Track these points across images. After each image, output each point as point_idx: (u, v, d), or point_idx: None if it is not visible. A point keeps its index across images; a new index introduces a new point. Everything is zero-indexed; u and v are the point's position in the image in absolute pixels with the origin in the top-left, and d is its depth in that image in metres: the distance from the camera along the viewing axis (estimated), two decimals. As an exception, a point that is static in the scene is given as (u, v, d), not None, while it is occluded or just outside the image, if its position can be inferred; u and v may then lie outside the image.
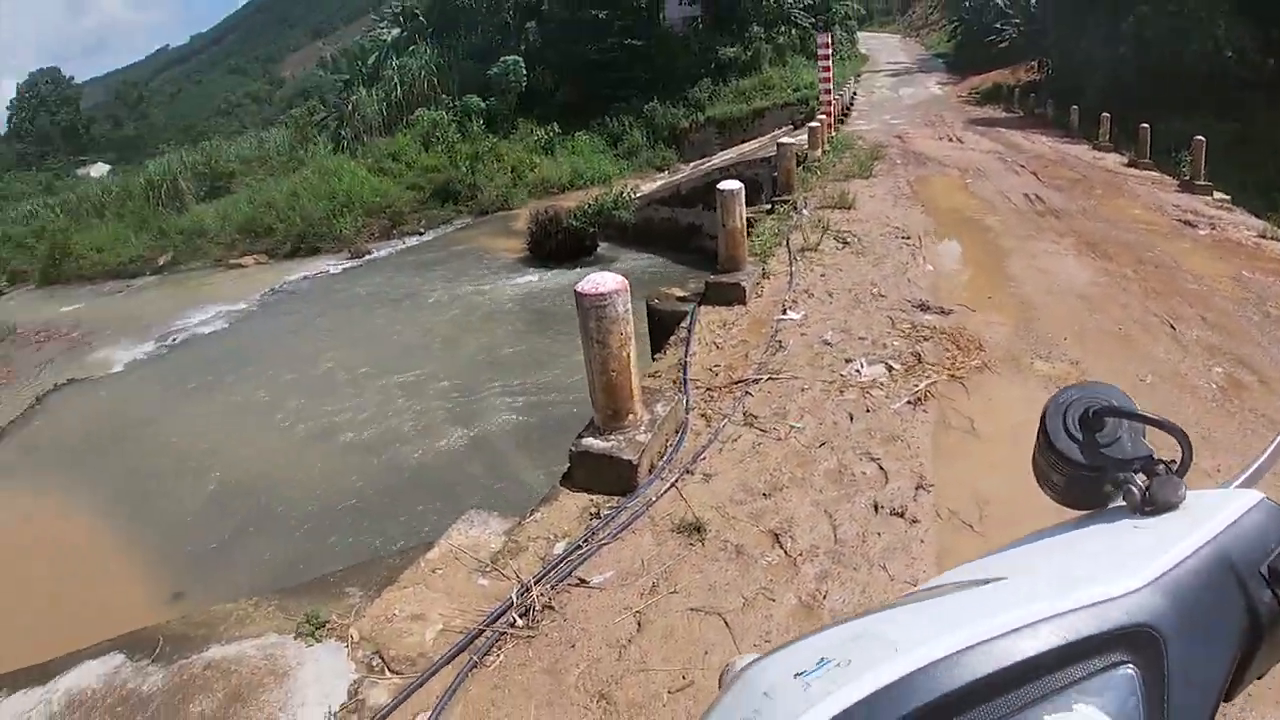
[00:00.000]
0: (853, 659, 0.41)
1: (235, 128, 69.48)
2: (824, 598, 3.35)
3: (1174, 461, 0.60)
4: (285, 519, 8.80)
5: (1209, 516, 0.51)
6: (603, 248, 19.38)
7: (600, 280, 4.07)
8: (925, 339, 6.01)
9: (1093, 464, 0.60)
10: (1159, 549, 0.48)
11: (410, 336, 15.12)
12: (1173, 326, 6.55)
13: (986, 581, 0.49)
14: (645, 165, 29.22)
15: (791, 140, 10.96)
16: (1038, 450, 0.64)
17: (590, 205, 18.92)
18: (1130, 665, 0.43)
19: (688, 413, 4.91)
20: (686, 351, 5.81)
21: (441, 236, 24.89)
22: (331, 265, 22.41)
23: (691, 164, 25.68)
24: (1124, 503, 0.58)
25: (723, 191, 6.69)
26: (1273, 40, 18.31)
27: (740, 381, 5.35)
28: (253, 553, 8.23)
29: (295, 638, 3.38)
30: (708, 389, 5.30)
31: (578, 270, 15.41)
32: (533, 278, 18.05)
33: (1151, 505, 0.57)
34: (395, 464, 9.92)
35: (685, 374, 5.45)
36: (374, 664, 3.16)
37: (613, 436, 4.27)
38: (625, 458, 4.13)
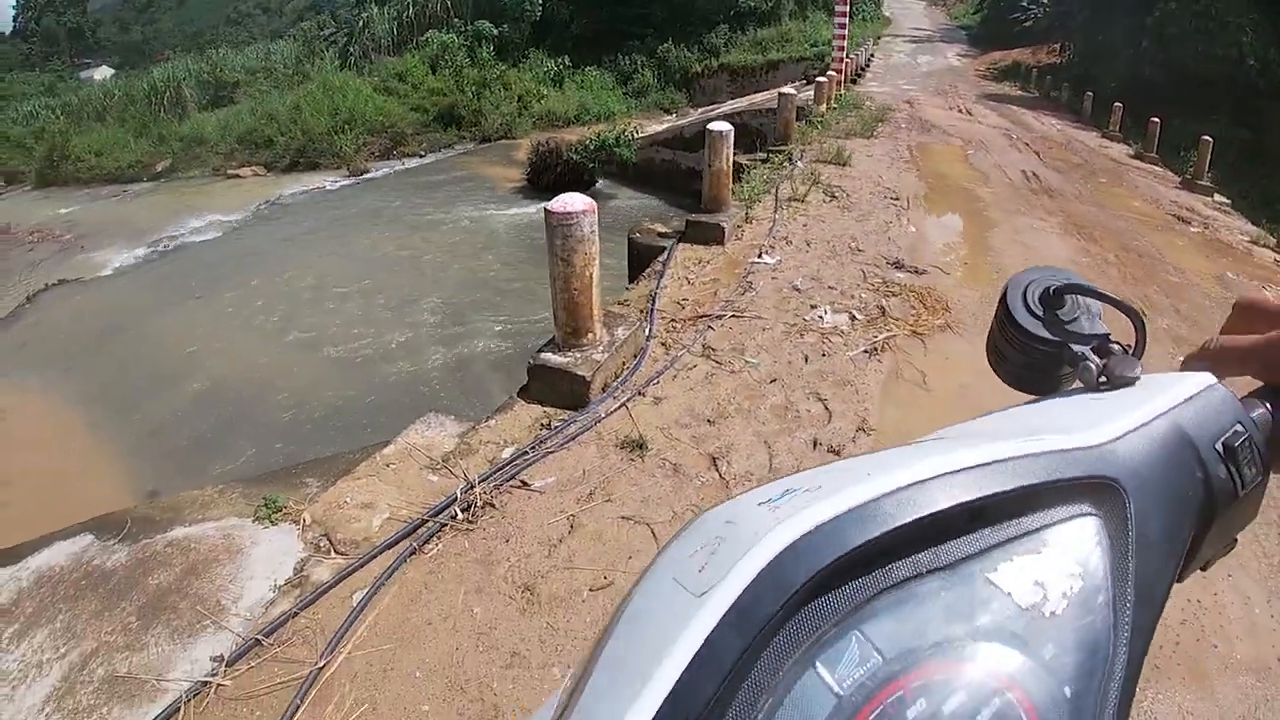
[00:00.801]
0: (822, 485, 0.41)
1: (244, 38, 68.07)
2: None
3: (1130, 346, 0.61)
4: (264, 424, 8.87)
5: (1164, 392, 0.51)
6: (602, 184, 19.21)
7: (569, 200, 4.14)
8: (893, 295, 6.11)
9: (1052, 340, 0.60)
10: (1118, 414, 0.48)
11: (402, 257, 15.03)
12: (1144, 313, 6.64)
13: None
14: (653, 106, 28.93)
15: (794, 91, 10.89)
16: (996, 327, 0.64)
17: (592, 140, 18.76)
18: (1094, 516, 0.43)
19: (649, 340, 5.02)
20: (658, 284, 5.90)
21: (442, 160, 24.64)
22: (329, 181, 22.19)
23: (700, 109, 25.42)
24: (1080, 383, 0.59)
25: (712, 132, 6.72)
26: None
27: (704, 316, 5.45)
28: (230, 454, 8.34)
29: (253, 520, 3.56)
30: (672, 320, 5.41)
31: (574, 205, 15.27)
32: (529, 208, 17.87)
33: (1107, 382, 0.57)
34: (375, 378, 10.00)
35: (653, 304, 5.55)
36: (321, 545, 3.35)
37: (570, 353, 4.38)
38: (579, 373, 4.25)
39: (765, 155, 10.39)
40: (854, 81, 21.06)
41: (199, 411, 9.25)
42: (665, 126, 21.36)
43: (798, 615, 0.37)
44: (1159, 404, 0.49)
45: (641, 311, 5.45)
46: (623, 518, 3.47)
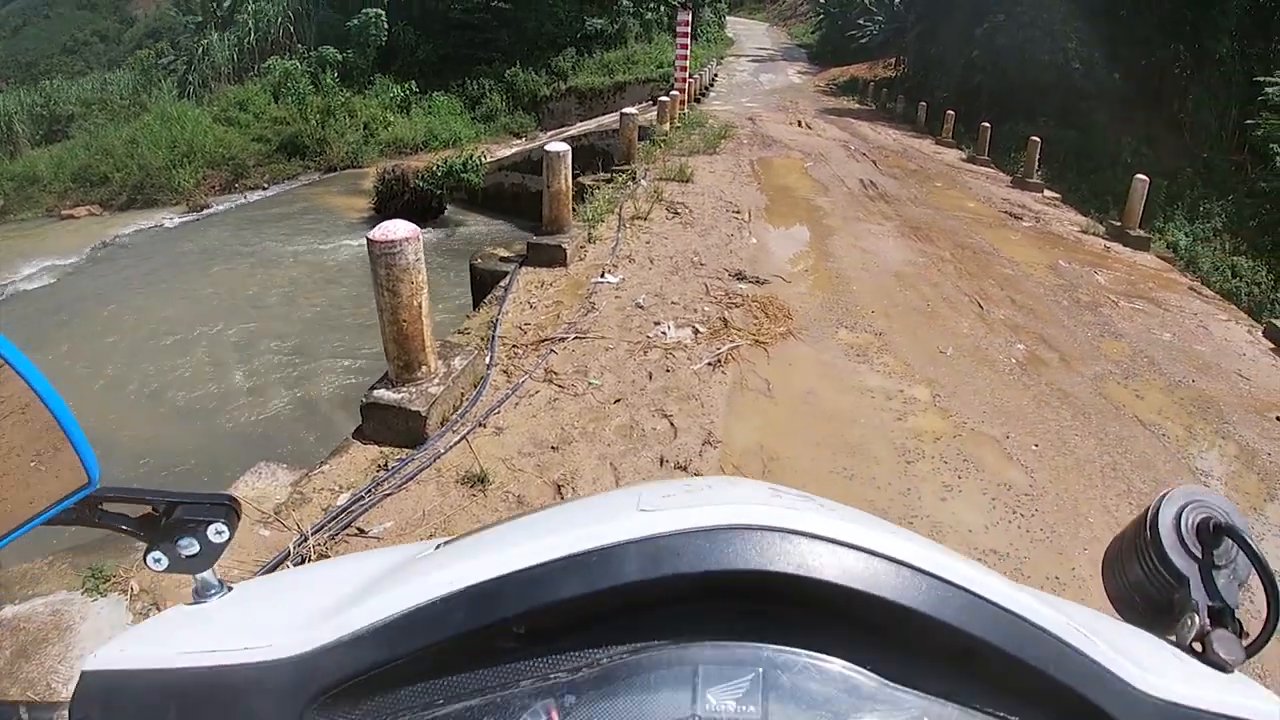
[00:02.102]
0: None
1: (80, 67, 63.99)
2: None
3: (1246, 633, 0.56)
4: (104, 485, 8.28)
5: (1242, 698, 0.47)
6: (451, 211, 19.03)
7: (392, 227, 3.99)
8: (736, 306, 6.20)
9: (1183, 577, 0.56)
10: (1186, 683, 0.45)
11: (247, 295, 14.46)
12: (980, 305, 6.99)
13: None
14: (502, 131, 28.76)
15: (635, 111, 10.97)
16: (1131, 535, 0.60)
17: (439, 167, 18.53)
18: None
19: (490, 368, 4.90)
20: (499, 310, 5.79)
21: (286, 192, 23.78)
22: (169, 218, 21.12)
23: (550, 132, 25.45)
24: (1174, 633, 0.55)
25: (549, 153, 6.67)
26: (1119, 55, 19.52)
27: (547, 340, 5.38)
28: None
29: (82, 592, 3.33)
30: (514, 346, 5.31)
31: (424, 232, 15.06)
32: (375, 238, 17.49)
33: (1201, 651, 0.53)
34: (218, 426, 9.51)
35: (495, 331, 5.43)
36: (149, 614, 3.11)
37: (404, 388, 4.22)
38: (414, 409, 4.09)
39: (609, 175, 10.43)
40: (698, 101, 21.52)
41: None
42: (514, 150, 21.29)
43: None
44: (1229, 705, 0.46)
45: (482, 339, 5.33)
46: (461, 558, 3.35)
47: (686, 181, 10.43)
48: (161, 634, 0.53)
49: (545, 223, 6.92)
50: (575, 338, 5.42)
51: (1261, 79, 15.64)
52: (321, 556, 3.35)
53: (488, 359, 5.00)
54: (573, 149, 7.01)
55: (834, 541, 0.40)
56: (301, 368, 11.06)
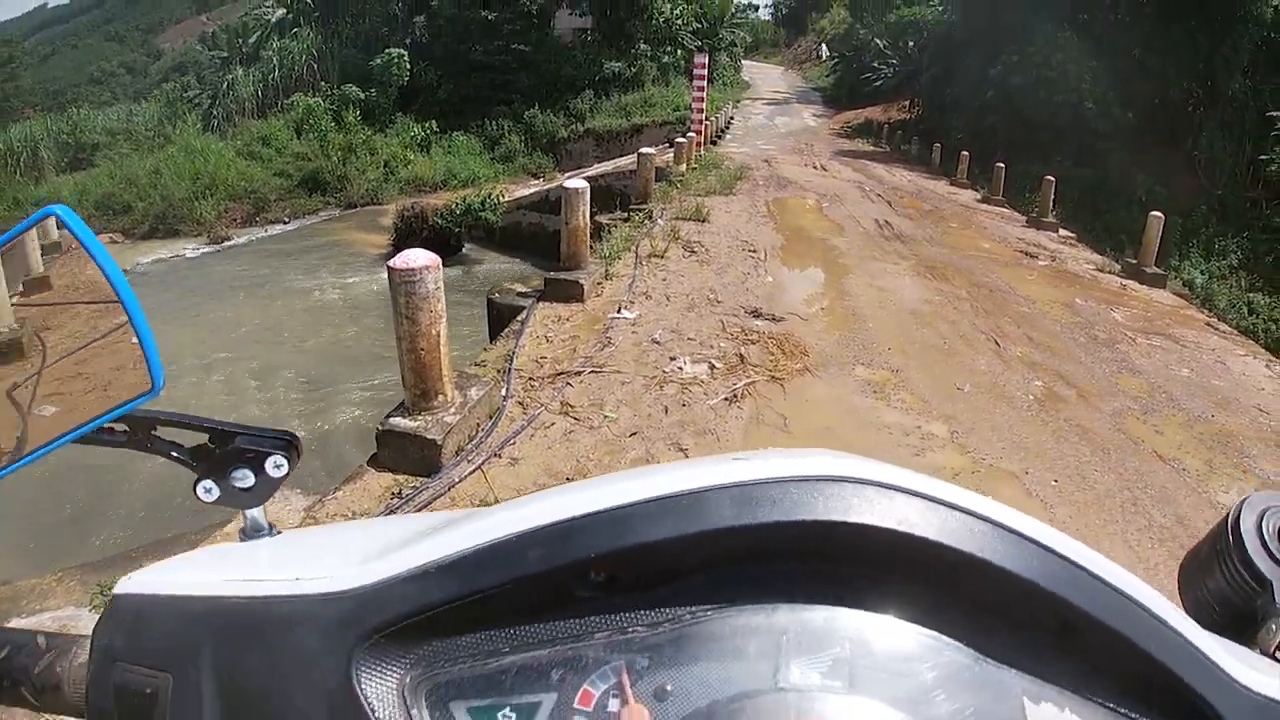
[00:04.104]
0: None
1: (106, 98, 65.42)
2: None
3: None
4: (120, 509, 8.40)
5: None
6: (469, 249, 19.23)
7: (412, 256, 4.03)
8: (752, 342, 6.20)
9: (1268, 582, 0.55)
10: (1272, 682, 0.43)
11: (264, 327, 14.61)
12: (997, 343, 6.96)
13: None
14: (520, 171, 29.12)
15: (653, 151, 11.08)
16: (1209, 543, 0.59)
17: (458, 205, 18.77)
18: None
19: (506, 399, 4.90)
20: (516, 343, 5.81)
21: (306, 227, 24.13)
22: (189, 249, 21.49)
23: (567, 174, 25.73)
24: (1258, 640, 0.54)
25: (568, 189, 6.73)
26: (1132, 94, 19.60)
27: (563, 373, 5.38)
28: (82, 539, 7.84)
29: (90, 609, 3.43)
30: (530, 379, 5.32)
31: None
32: (395, 275, 17.68)
33: None
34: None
35: (511, 363, 5.45)
36: None
37: (420, 416, 4.23)
38: (429, 437, 4.10)
39: (626, 214, 10.49)
40: (714, 143, 21.68)
41: (50, 499, 8.60)
42: (532, 190, 21.54)
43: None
44: None
45: (499, 371, 5.34)
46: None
47: (703, 221, 10.48)
48: (202, 564, 0.51)
49: (563, 258, 6.97)
50: (591, 371, 5.43)
51: (1275, 114, 15.65)
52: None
53: (504, 390, 5.01)
54: (592, 189, 7.08)
55: (939, 501, 0.39)
56: (318, 401, 11.13)
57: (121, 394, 0.54)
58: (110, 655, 0.45)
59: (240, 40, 35.13)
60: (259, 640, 0.41)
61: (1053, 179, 14.83)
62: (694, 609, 0.38)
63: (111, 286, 0.54)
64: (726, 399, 5.17)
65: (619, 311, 6.63)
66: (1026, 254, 11.46)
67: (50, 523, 8.18)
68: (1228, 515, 0.59)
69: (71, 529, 8.13)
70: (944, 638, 0.38)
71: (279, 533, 0.62)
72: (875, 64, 38.02)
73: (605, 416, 4.81)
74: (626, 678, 0.37)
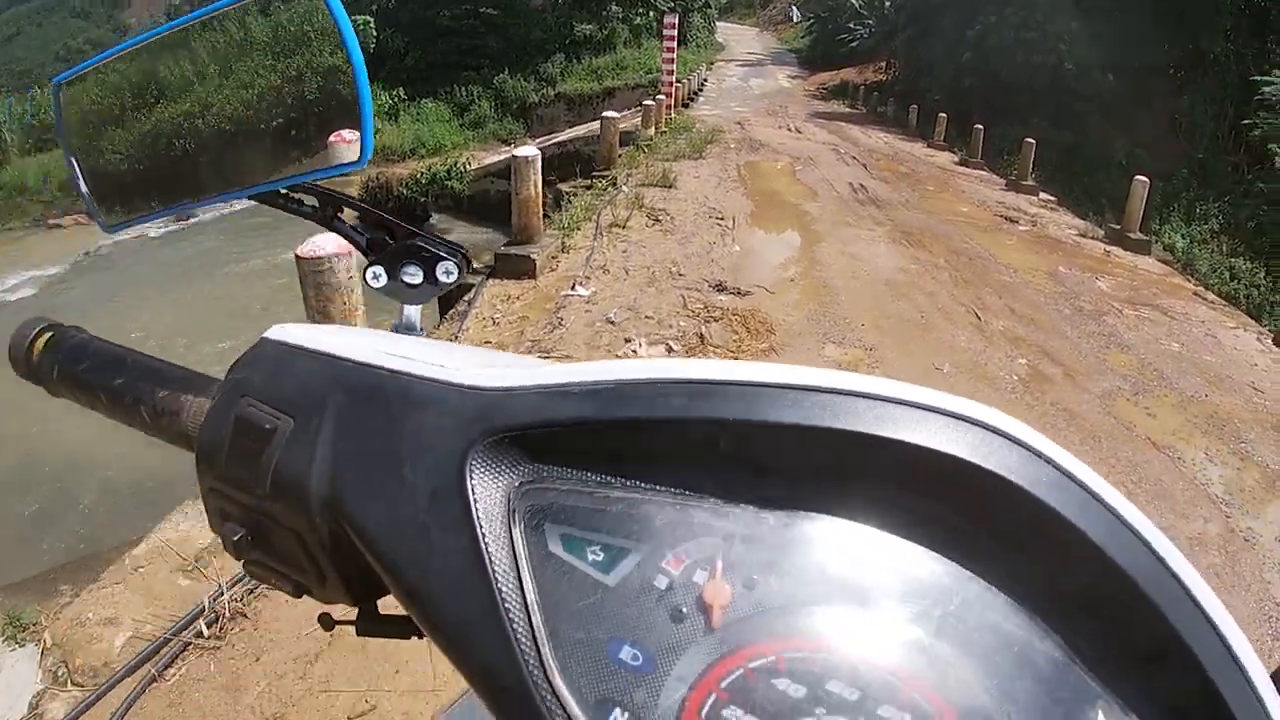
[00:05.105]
0: None
1: (74, 76, 64.32)
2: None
3: None
4: (79, 503, 7.97)
5: None
6: (436, 219, 18.86)
7: (321, 243, 3.60)
8: (715, 320, 5.83)
9: None
10: None
11: (229, 303, 14.34)
12: (978, 316, 6.63)
13: None
14: (491, 137, 28.50)
15: (616, 115, 10.63)
16: None
17: (423, 174, 18.29)
18: None
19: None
20: (459, 326, 5.41)
21: (268, 202, 23.72)
22: (152, 228, 20.98)
23: (538, 139, 25.21)
24: None
25: (517, 158, 6.32)
26: (1113, 57, 19.35)
27: (507, 360, 5.00)
28: (45, 542, 7.43)
29: (2, 640, 3.06)
30: (470, 367, 4.93)
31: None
32: (358, 247, 17.43)
33: None
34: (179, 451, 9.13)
35: (452, 349, 5.06)
36: (59, 673, 2.90)
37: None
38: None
39: (589, 182, 10.05)
40: (686, 105, 21.29)
41: (14, 489, 8.18)
42: (501, 157, 21.04)
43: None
44: None
45: (437, 359, 4.95)
46: (390, 618, 2.96)
47: (669, 187, 10.08)
48: (354, 334, 0.49)
49: (515, 232, 6.57)
50: (538, 357, 5.04)
51: (1258, 78, 15.41)
52: (238, 614, 3.02)
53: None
54: (558, 155, 6.73)
55: (1128, 527, 0.32)
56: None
57: (334, 157, 0.60)
58: (241, 389, 0.45)
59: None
60: (387, 409, 0.41)
61: (1033, 141, 14.56)
62: (807, 512, 0.35)
63: (350, 61, 0.58)
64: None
65: (573, 288, 6.23)
66: (1006, 218, 11.13)
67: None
68: None
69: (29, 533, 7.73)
70: (1049, 629, 0.33)
71: (426, 335, 0.66)
72: (851, 24, 37.51)
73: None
74: (720, 555, 0.34)
